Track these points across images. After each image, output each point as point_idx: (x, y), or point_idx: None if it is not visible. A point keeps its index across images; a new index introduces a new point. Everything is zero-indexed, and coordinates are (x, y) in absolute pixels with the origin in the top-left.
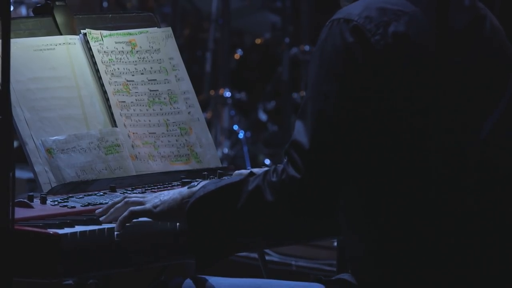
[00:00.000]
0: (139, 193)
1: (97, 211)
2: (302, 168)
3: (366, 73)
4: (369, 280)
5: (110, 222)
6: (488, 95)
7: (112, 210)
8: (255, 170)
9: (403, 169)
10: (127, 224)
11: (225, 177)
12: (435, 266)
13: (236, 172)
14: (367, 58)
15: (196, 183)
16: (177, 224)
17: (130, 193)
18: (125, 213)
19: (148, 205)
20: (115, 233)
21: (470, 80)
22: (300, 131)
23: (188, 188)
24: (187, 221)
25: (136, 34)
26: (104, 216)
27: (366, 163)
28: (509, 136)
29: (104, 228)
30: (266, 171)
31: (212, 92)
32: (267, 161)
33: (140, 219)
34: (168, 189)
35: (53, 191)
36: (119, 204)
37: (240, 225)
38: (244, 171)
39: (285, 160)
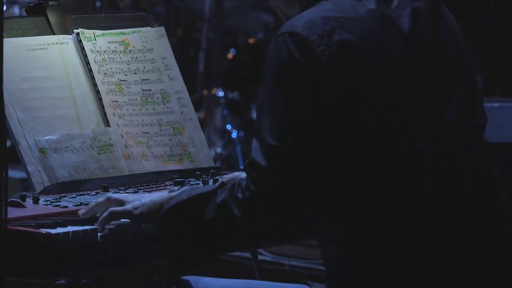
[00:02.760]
0: (131, 192)
1: (79, 211)
2: (262, 186)
3: (315, 84)
4: (341, 282)
5: (89, 218)
6: (443, 90)
7: (93, 205)
8: (227, 177)
9: (365, 173)
10: (112, 224)
11: (212, 178)
12: (403, 271)
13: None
14: (313, 69)
15: (177, 188)
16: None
17: (122, 193)
18: (105, 214)
19: (128, 206)
20: (98, 234)
21: (424, 78)
22: (256, 149)
23: (169, 192)
24: (159, 228)
25: (129, 34)
26: (84, 211)
27: (326, 171)
28: (465, 129)
29: (97, 228)
30: (233, 185)
31: (205, 92)
32: None
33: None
34: (161, 189)
35: (45, 191)
36: (100, 200)
37: (210, 235)
38: (237, 173)
39: (248, 177)
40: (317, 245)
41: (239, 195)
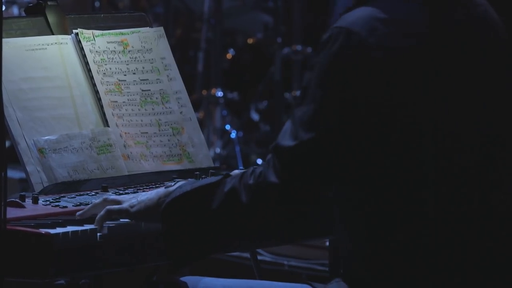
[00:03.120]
0: (131, 193)
1: (77, 213)
2: (281, 174)
3: (362, 83)
4: (359, 280)
5: (87, 219)
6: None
7: (89, 206)
8: (235, 172)
9: (395, 170)
10: (109, 225)
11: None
12: (425, 269)
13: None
14: (363, 66)
15: (173, 183)
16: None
17: (122, 193)
18: (102, 212)
19: (125, 205)
20: (98, 234)
21: (467, 80)
22: (285, 134)
23: (165, 188)
24: (162, 221)
25: (128, 34)
26: (81, 212)
27: (356, 166)
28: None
29: (96, 228)
30: (243, 173)
31: (204, 92)
32: (259, 161)
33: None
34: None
35: (45, 191)
36: (97, 201)
37: (215, 226)
38: (237, 171)
39: (265, 164)
40: (317, 245)
41: (250, 181)
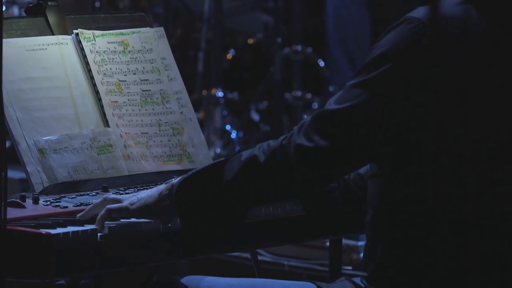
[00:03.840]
0: (131, 193)
1: (78, 215)
2: (313, 134)
3: (425, 75)
4: (384, 280)
5: (88, 219)
6: None
7: (90, 206)
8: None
9: (433, 167)
10: (110, 225)
11: None
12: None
13: None
14: (429, 62)
15: (174, 179)
16: (160, 225)
17: (122, 193)
18: (102, 212)
19: (125, 203)
20: (98, 234)
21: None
22: (331, 102)
23: (165, 184)
24: (176, 202)
25: (129, 34)
26: (82, 213)
27: (395, 156)
28: None
29: (97, 229)
30: (262, 143)
31: (204, 92)
32: None
33: (132, 219)
34: None
35: (45, 191)
36: (97, 201)
37: (232, 196)
38: None
39: (296, 128)
40: (318, 245)
41: (271, 143)
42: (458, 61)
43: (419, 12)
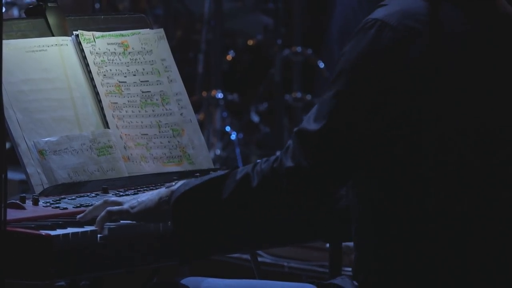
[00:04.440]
0: (131, 194)
1: (78, 216)
2: (300, 157)
3: (391, 72)
4: (369, 282)
5: (88, 221)
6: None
7: (90, 208)
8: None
9: (418, 175)
10: (109, 226)
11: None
12: (442, 275)
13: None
14: (394, 58)
15: (173, 183)
16: (160, 225)
17: (122, 195)
18: (103, 213)
19: (125, 206)
20: (98, 235)
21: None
22: (310, 118)
23: (166, 188)
24: (172, 215)
25: (128, 36)
26: (82, 214)
27: (378, 162)
28: None
29: (97, 230)
30: (257, 162)
31: (204, 94)
32: None
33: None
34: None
35: (45, 193)
36: (98, 203)
37: (227, 215)
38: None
39: (283, 150)
40: (317, 247)
41: (263, 166)
42: (429, 58)
43: (379, 13)
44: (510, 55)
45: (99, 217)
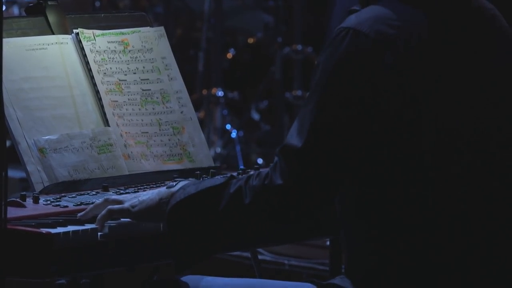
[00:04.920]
0: (131, 192)
1: (78, 214)
2: (288, 175)
3: (367, 82)
4: (362, 282)
5: (89, 219)
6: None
7: (91, 206)
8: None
9: (398, 168)
10: (110, 224)
11: (205, 177)
12: (428, 266)
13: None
14: (369, 67)
15: (174, 183)
16: (161, 224)
17: (122, 193)
18: (103, 212)
19: (126, 205)
20: (99, 233)
21: (471, 81)
22: (292, 134)
23: (166, 188)
24: (167, 223)
25: (129, 34)
26: (83, 213)
27: (364, 167)
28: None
29: (97, 228)
30: (250, 175)
31: (204, 92)
32: (260, 161)
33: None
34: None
35: (45, 191)
36: (98, 202)
37: (220, 228)
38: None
39: (272, 166)
40: (318, 245)
41: (255, 183)
42: (404, 63)
43: (350, 21)
44: (484, 49)
45: (99, 215)
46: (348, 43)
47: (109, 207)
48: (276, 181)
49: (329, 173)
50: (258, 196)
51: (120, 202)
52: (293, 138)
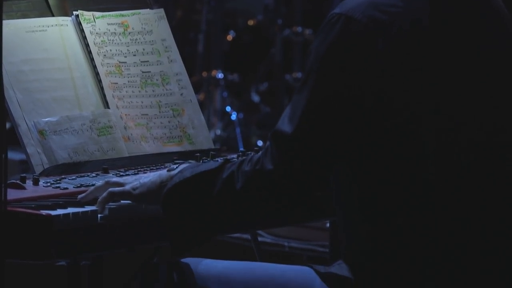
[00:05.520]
0: (131, 174)
1: (79, 196)
2: (278, 160)
3: (360, 68)
4: (359, 268)
5: (89, 201)
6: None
7: (92, 189)
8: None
9: (392, 153)
10: (110, 206)
11: (213, 160)
12: (426, 258)
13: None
14: (362, 53)
15: (175, 166)
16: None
17: (122, 175)
18: (104, 194)
19: (127, 187)
20: (99, 215)
21: (468, 68)
22: (284, 119)
23: (167, 171)
24: (162, 207)
25: (129, 16)
26: (84, 195)
27: (356, 154)
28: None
29: (97, 210)
30: (243, 160)
31: (204, 74)
32: (260, 143)
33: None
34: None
35: (45, 173)
36: (99, 184)
37: (213, 213)
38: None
39: (263, 151)
40: (318, 227)
41: (247, 168)
42: (397, 50)
43: (343, 6)
44: (484, 36)
45: (100, 197)
46: (339, 29)
47: (110, 189)
48: (266, 166)
49: (320, 159)
50: (249, 181)
51: (121, 184)
52: (284, 123)
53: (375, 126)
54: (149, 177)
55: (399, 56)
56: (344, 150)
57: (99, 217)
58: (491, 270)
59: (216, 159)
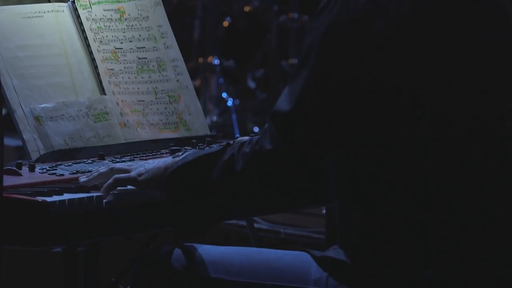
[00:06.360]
0: (128, 161)
1: (80, 178)
2: (277, 140)
3: (359, 48)
4: (355, 252)
5: (92, 186)
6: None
7: (96, 174)
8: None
9: (394, 142)
10: (114, 192)
11: (209, 146)
12: (421, 241)
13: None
14: (361, 33)
15: (181, 153)
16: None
17: (118, 161)
18: (110, 180)
19: (133, 173)
20: (104, 200)
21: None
22: (282, 99)
23: (172, 157)
24: (165, 191)
25: (125, 2)
26: (87, 179)
27: (354, 135)
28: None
29: (93, 196)
30: (243, 142)
31: (200, 60)
32: (256, 129)
33: (129, 187)
34: (157, 157)
35: (41, 159)
36: (104, 170)
37: (216, 195)
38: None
39: (262, 131)
40: (314, 213)
41: (247, 149)
42: (393, 29)
43: None
44: (481, 21)
45: (106, 184)
46: (338, 10)
47: (116, 176)
48: (265, 146)
49: (318, 138)
50: (249, 163)
51: (126, 171)
52: (283, 103)
53: (372, 105)
54: (154, 163)
55: (398, 36)
56: (341, 130)
57: (104, 203)
58: (485, 249)
59: (212, 145)
